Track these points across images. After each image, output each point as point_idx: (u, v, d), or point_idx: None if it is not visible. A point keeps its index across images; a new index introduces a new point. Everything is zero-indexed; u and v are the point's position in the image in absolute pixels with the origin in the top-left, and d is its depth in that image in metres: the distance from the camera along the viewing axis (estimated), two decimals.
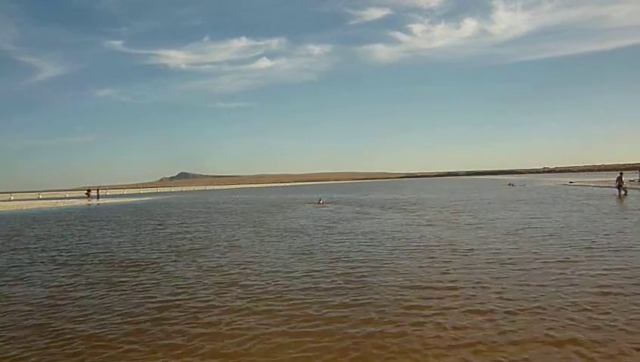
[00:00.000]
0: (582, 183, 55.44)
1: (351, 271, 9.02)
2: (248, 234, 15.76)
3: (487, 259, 9.62)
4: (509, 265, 8.94)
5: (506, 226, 15.20)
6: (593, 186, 46.34)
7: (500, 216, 19.09)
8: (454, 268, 8.88)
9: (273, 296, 7.29)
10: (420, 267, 9.15)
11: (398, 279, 8.15)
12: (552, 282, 7.51)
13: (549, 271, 8.31)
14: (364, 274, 8.71)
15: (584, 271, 8.20)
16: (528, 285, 7.35)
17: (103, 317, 6.55)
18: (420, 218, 19.53)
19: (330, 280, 8.31)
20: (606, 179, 63.64)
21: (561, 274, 8.07)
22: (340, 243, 12.71)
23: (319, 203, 36.55)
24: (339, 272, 8.91)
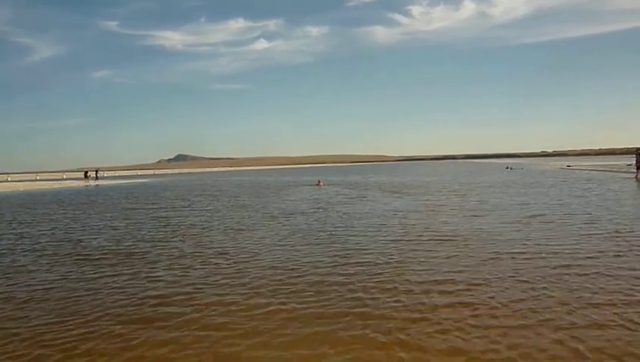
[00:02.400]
0: (580, 167, 55.42)
1: (366, 261, 8.28)
2: (252, 219, 15.64)
3: (513, 252, 8.62)
4: (538, 260, 7.94)
5: (520, 213, 14.29)
6: (592, 170, 46.31)
7: (512, 201, 18.51)
8: (481, 261, 7.98)
9: (285, 289, 6.78)
10: (441, 259, 8.23)
11: (418, 272, 7.42)
12: (589, 280, 6.69)
13: (582, 265, 7.51)
14: (383, 264, 7.99)
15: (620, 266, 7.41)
16: (559, 285, 6.45)
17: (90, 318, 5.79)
18: (428, 202, 19.02)
19: (340, 270, 7.74)
20: (603, 163, 63.61)
21: (599, 270, 7.20)
22: (350, 230, 12.13)
23: (318, 185, 36.50)
24: (352, 262, 8.28)
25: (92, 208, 20.97)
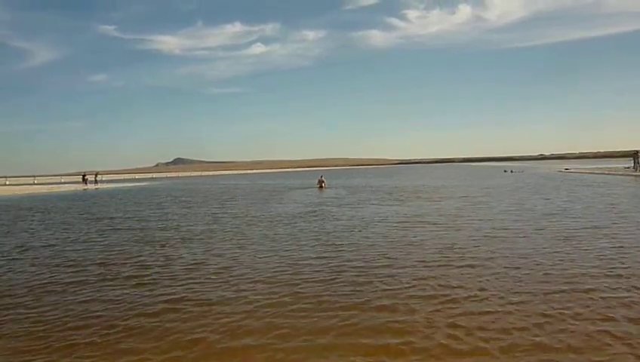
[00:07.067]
0: (578, 170, 55.47)
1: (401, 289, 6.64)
2: (259, 225, 15.62)
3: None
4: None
5: (568, 226, 12.10)
6: (590, 173, 46.36)
7: (543, 207, 16.66)
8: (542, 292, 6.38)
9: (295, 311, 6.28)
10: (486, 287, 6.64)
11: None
12: None
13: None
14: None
15: None
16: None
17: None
18: (451, 209, 18.07)
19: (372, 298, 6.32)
20: (602, 166, 63.71)
21: None
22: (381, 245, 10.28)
23: (320, 187, 33.42)
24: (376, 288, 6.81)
25: (94, 215, 20.91)
